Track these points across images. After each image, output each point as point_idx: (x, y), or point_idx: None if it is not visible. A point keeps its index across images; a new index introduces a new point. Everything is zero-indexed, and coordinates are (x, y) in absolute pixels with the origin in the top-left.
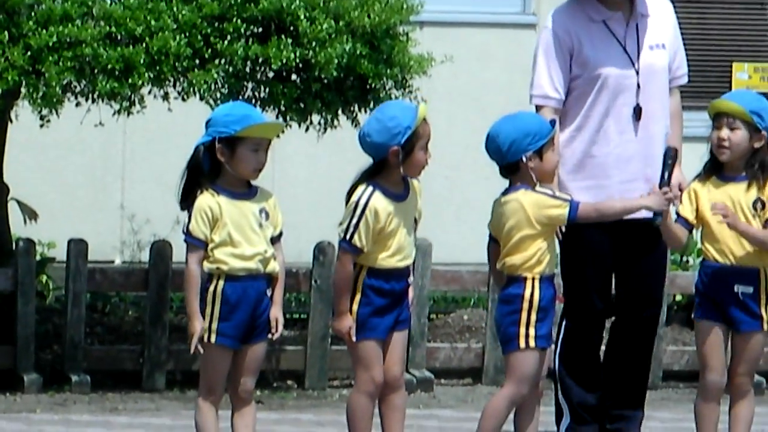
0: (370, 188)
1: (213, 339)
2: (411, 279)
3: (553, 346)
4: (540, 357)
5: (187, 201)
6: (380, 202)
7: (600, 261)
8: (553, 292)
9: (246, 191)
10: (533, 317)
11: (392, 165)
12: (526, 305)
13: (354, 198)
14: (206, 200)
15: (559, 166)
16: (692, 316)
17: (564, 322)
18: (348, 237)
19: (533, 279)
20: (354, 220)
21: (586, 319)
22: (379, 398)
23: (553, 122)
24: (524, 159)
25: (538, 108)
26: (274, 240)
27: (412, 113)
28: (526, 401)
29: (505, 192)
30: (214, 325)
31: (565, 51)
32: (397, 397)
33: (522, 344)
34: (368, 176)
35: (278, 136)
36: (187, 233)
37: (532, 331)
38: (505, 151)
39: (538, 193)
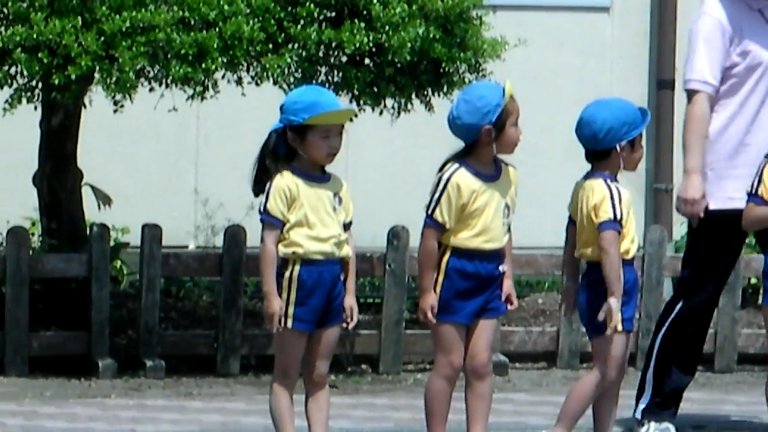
0: (456, 165)
1: (289, 324)
2: (503, 267)
3: (654, 327)
4: (626, 340)
5: (260, 185)
6: (464, 179)
7: (729, 252)
8: (634, 276)
9: (321, 175)
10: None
11: (485, 144)
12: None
13: (439, 175)
14: (284, 180)
15: (712, 153)
16: (759, 301)
17: (679, 305)
18: (430, 212)
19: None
20: (436, 195)
21: (705, 305)
22: (465, 385)
23: (645, 112)
24: (618, 148)
25: (691, 93)
26: (345, 227)
27: (500, 91)
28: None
29: (587, 176)
30: (291, 310)
31: (726, 39)
32: (483, 386)
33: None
34: (458, 156)
35: (351, 120)
36: (265, 212)
37: (617, 315)
38: (601, 138)
39: (606, 189)
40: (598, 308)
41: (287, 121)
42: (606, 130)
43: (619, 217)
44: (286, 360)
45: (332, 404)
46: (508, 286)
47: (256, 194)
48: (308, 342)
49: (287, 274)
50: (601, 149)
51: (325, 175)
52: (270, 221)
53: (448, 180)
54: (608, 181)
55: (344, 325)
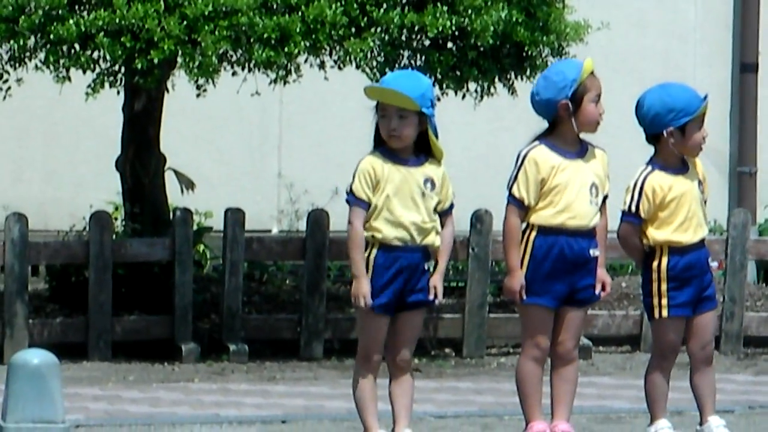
0: (536, 142)
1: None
2: (594, 252)
3: None
4: (674, 326)
5: None
6: (542, 154)
7: None
8: (687, 262)
9: (413, 158)
10: (663, 287)
11: (564, 120)
12: (655, 276)
13: (518, 152)
14: (370, 162)
15: None
16: None
17: None
18: (509, 188)
19: (661, 249)
20: (515, 172)
21: None
22: (550, 368)
23: (704, 98)
24: (665, 134)
25: None
26: (444, 213)
27: (578, 67)
28: (696, 366)
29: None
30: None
31: None
32: (569, 370)
33: (656, 314)
34: (541, 136)
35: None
36: (351, 193)
37: (665, 302)
38: (648, 123)
39: (636, 178)
40: (646, 294)
41: None
42: (652, 115)
43: (634, 209)
44: (367, 343)
45: (416, 388)
46: (601, 273)
47: None
48: (391, 326)
49: (366, 255)
50: (650, 133)
51: (419, 158)
52: (355, 202)
53: (525, 156)
54: (649, 168)
55: (430, 298)
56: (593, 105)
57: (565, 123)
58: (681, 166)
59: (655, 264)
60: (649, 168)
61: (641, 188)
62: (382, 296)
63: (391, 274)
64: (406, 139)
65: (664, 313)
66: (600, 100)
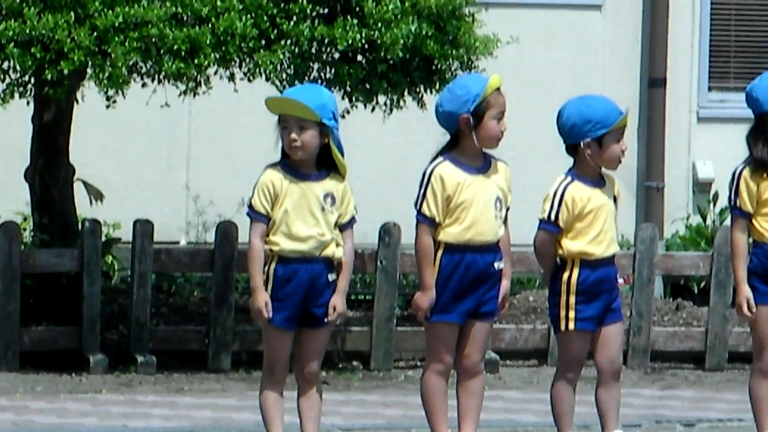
0: (440, 158)
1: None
2: (499, 264)
3: None
4: (579, 339)
5: None
6: (447, 170)
7: None
8: (597, 276)
9: (314, 173)
10: (572, 300)
11: (465, 134)
12: (564, 288)
13: (424, 169)
14: (269, 176)
15: None
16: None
17: None
18: (418, 207)
19: (573, 261)
20: (422, 190)
21: None
22: (456, 382)
23: (624, 112)
24: (582, 144)
25: None
26: (344, 227)
27: (483, 82)
28: (603, 379)
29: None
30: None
31: None
32: (475, 383)
33: (562, 327)
34: (443, 150)
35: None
36: (250, 207)
37: (572, 314)
38: (565, 133)
39: (555, 187)
40: (553, 305)
41: None
42: (570, 125)
43: (553, 218)
44: (271, 357)
45: (323, 401)
46: (504, 287)
47: None
48: (297, 340)
49: (265, 269)
50: (569, 144)
51: (321, 172)
52: (255, 216)
53: (431, 173)
54: (568, 177)
55: (325, 320)
56: (495, 122)
57: (466, 137)
58: (598, 179)
59: (565, 276)
60: (569, 178)
61: (561, 197)
62: (282, 310)
63: (291, 287)
64: (306, 149)
65: (571, 325)
66: (503, 117)
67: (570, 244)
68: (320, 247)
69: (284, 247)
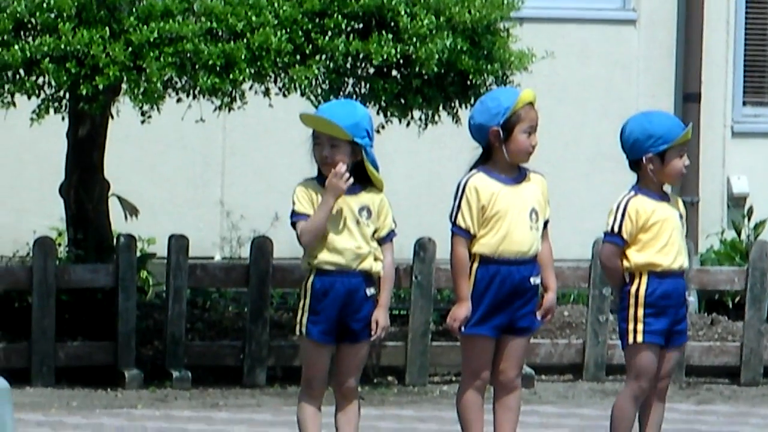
0: (474, 170)
1: (303, 332)
2: (535, 280)
3: None
4: (651, 353)
5: None
6: (481, 181)
7: None
8: (666, 289)
9: (350, 186)
10: (640, 313)
11: (496, 148)
12: (632, 301)
13: (458, 181)
14: (303, 186)
15: None
16: None
17: None
18: (453, 219)
19: (640, 274)
20: (457, 202)
21: None
22: (493, 397)
23: (686, 127)
24: (644, 160)
25: None
26: (382, 240)
27: (514, 95)
28: (648, 397)
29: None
30: (305, 319)
31: None
32: (511, 398)
33: (630, 339)
34: (477, 163)
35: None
36: (295, 213)
37: (640, 327)
38: (628, 148)
39: (618, 201)
40: (621, 319)
41: None
42: (632, 141)
43: (617, 230)
44: (309, 371)
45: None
46: (549, 299)
47: None
48: (337, 355)
49: (304, 282)
50: (631, 159)
51: (355, 186)
52: (299, 218)
53: (465, 184)
54: (632, 192)
55: (370, 337)
56: (525, 136)
57: (497, 150)
58: (662, 194)
59: (633, 288)
60: (632, 192)
61: (624, 209)
62: (319, 323)
63: (329, 300)
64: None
65: (639, 338)
66: (534, 132)
67: (636, 256)
68: (357, 260)
69: (322, 258)
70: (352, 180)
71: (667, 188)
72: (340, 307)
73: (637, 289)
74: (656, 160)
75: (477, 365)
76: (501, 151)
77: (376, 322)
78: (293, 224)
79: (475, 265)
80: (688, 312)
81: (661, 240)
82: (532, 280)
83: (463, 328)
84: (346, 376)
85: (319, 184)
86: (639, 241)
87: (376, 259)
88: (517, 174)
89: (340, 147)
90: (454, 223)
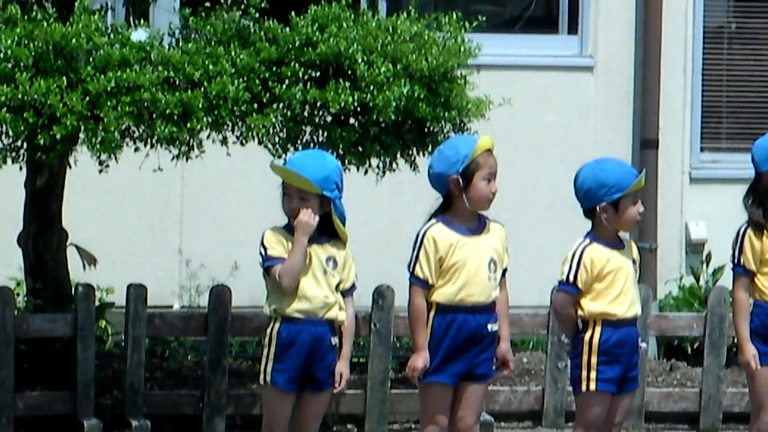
0: (433, 220)
1: (267, 380)
2: (493, 326)
3: None
4: (601, 400)
5: None
6: (439, 232)
7: None
8: (619, 337)
9: (315, 237)
10: (594, 360)
11: (455, 196)
12: (586, 348)
13: (417, 231)
14: (272, 232)
15: None
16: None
17: None
18: (411, 269)
19: (594, 321)
20: (415, 252)
21: None
22: None
23: (638, 174)
24: (598, 209)
25: None
26: (345, 293)
27: (473, 143)
28: None
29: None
30: (269, 367)
31: None
32: None
33: (583, 387)
34: (436, 212)
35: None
36: (268, 258)
37: (593, 375)
38: (581, 197)
39: (573, 249)
40: (574, 366)
41: None
42: (585, 190)
43: (572, 279)
44: (272, 420)
45: None
46: (503, 349)
47: None
48: (298, 403)
49: (269, 330)
50: (585, 207)
51: (322, 237)
52: (275, 263)
53: (424, 235)
54: (587, 240)
55: (332, 388)
56: (484, 183)
57: (457, 198)
58: (617, 242)
59: (587, 336)
60: (587, 240)
61: (579, 258)
62: (285, 372)
63: (295, 349)
64: None
65: (592, 386)
66: (494, 178)
67: (590, 305)
68: (325, 309)
69: (291, 306)
70: (317, 220)
71: (624, 233)
72: (306, 355)
73: (591, 337)
74: (610, 208)
75: (434, 412)
76: (461, 199)
77: (340, 375)
78: (267, 269)
79: (432, 313)
80: (640, 358)
81: (615, 289)
82: (489, 327)
83: (422, 378)
84: (307, 425)
85: (287, 231)
86: (593, 290)
87: (340, 308)
88: (476, 224)
89: (309, 200)
90: (412, 274)
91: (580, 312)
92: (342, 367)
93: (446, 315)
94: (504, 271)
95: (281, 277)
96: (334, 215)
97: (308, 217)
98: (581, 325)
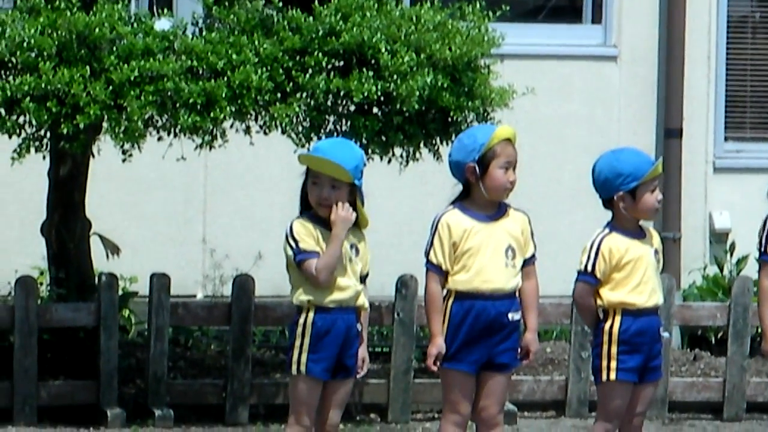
0: (450, 207)
1: (302, 370)
2: (514, 315)
3: None
4: (623, 390)
5: None
6: (454, 218)
7: None
8: (640, 327)
9: None
10: (614, 350)
11: (473, 184)
12: (606, 338)
13: (432, 218)
14: (302, 224)
15: None
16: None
17: None
18: (426, 255)
19: (614, 311)
20: (430, 238)
21: None
22: None
23: (654, 162)
24: (615, 198)
25: None
26: (362, 279)
27: (490, 131)
28: None
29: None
30: (304, 357)
31: None
32: None
33: (603, 377)
34: (456, 200)
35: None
36: (300, 252)
37: (614, 364)
38: (599, 187)
39: (592, 239)
40: (595, 356)
41: None
42: (602, 180)
43: (590, 269)
44: (300, 408)
45: None
46: (528, 339)
47: None
48: (324, 391)
49: (301, 320)
50: (603, 198)
51: None
52: (308, 256)
53: (438, 221)
54: (606, 230)
55: (356, 374)
56: (501, 171)
57: (474, 186)
58: (637, 231)
59: (607, 326)
60: (606, 230)
61: (598, 248)
62: (322, 361)
63: (328, 337)
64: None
65: (612, 376)
66: (512, 168)
67: (610, 295)
68: (355, 297)
69: (326, 296)
70: (354, 215)
71: (647, 223)
72: (341, 343)
73: (611, 327)
74: (627, 197)
75: (456, 401)
76: (478, 187)
77: (363, 360)
78: (300, 263)
79: (451, 300)
80: (663, 348)
81: (634, 279)
82: (510, 315)
83: (439, 364)
84: (332, 412)
85: (312, 221)
86: (612, 279)
87: (363, 295)
88: (495, 211)
89: (341, 189)
90: (427, 259)
91: (599, 302)
92: (363, 352)
93: (464, 302)
94: (532, 260)
95: (318, 271)
96: (359, 203)
97: (347, 212)
98: (602, 314)
